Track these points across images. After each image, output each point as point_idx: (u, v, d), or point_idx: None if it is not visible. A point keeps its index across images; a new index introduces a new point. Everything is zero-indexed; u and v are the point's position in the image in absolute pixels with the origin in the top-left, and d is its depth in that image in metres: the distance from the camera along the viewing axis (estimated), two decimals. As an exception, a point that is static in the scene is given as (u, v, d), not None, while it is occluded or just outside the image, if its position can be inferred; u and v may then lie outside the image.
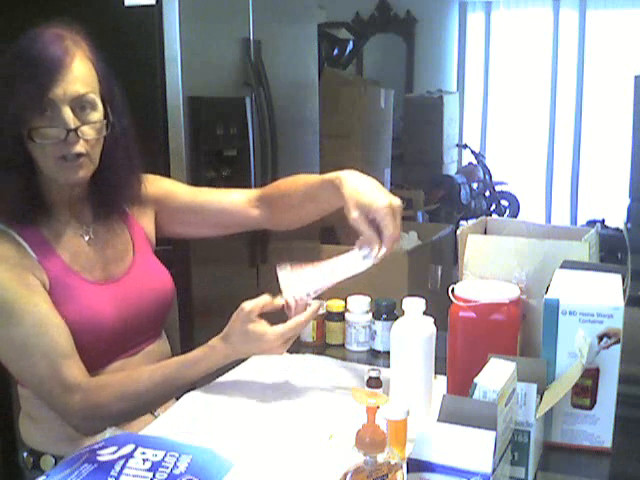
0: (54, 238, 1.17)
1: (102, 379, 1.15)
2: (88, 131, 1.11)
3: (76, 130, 1.09)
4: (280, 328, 1.10)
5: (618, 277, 0.99)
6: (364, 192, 1.09)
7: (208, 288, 2.15)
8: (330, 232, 3.33)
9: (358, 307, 1.39)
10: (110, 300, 1.18)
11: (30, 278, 1.12)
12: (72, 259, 1.18)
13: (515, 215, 5.54)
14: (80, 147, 1.10)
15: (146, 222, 1.34)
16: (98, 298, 1.17)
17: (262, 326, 1.10)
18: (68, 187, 1.18)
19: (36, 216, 1.15)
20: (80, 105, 1.10)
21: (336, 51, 4.29)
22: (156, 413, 1.22)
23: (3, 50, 1.10)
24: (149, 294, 1.25)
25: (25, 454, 1.20)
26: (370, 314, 1.39)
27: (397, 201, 1.08)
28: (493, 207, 5.58)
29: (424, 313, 1.07)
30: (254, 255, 2.44)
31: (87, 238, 1.22)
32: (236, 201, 1.37)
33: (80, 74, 1.10)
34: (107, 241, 1.25)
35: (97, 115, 1.13)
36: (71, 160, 1.11)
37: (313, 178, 1.25)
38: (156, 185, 1.35)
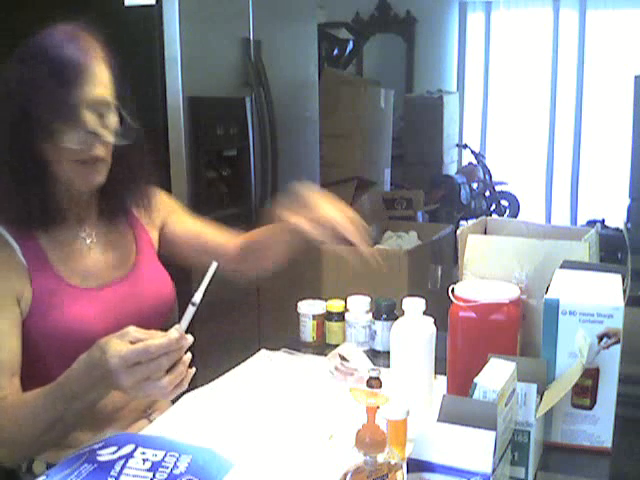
0: (49, 243, 1.13)
1: (8, 401, 1.02)
2: (109, 135, 1.08)
3: (97, 133, 1.06)
4: (124, 348, 0.90)
5: (618, 277, 0.99)
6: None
7: (208, 288, 2.16)
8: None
9: (358, 307, 1.39)
10: (101, 306, 1.13)
11: (2, 290, 1.06)
12: (65, 265, 1.13)
13: (515, 215, 5.54)
14: (99, 151, 1.08)
15: (153, 230, 1.31)
16: (87, 305, 1.12)
17: (115, 342, 0.91)
18: (80, 192, 1.15)
19: (41, 222, 1.12)
20: (100, 108, 1.07)
21: (336, 51, 4.29)
22: (152, 417, 1.21)
23: (20, 51, 1.07)
24: (147, 299, 1.21)
25: None
26: (370, 314, 1.39)
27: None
28: (493, 207, 5.57)
29: (424, 313, 1.07)
30: (254, 255, 2.44)
31: (88, 241, 1.19)
32: (226, 243, 1.36)
33: (100, 76, 1.08)
34: (109, 244, 1.21)
35: (114, 118, 1.10)
36: (90, 164, 1.09)
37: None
38: (165, 201, 1.35)
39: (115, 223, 1.24)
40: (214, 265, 1.01)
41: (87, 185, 1.12)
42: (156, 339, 0.90)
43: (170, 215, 1.35)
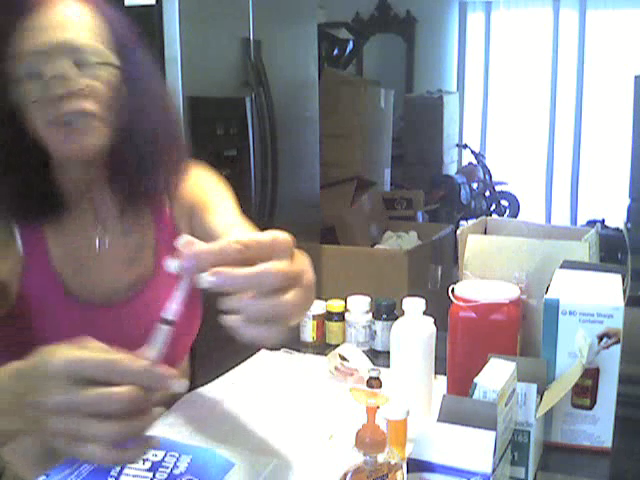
0: (55, 238, 0.94)
1: None
2: (89, 81, 0.86)
3: (71, 78, 0.85)
4: (76, 353, 0.61)
5: (618, 277, 0.99)
6: None
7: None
8: (330, 232, 3.34)
9: (358, 307, 1.39)
10: (97, 330, 0.79)
11: None
12: (67, 269, 0.95)
13: (515, 215, 5.54)
14: (84, 102, 0.86)
15: (185, 219, 1.04)
16: (80, 327, 0.91)
17: (66, 347, 0.62)
18: (78, 166, 0.93)
19: (42, 213, 0.92)
20: (78, 56, 0.87)
21: (336, 51, 4.29)
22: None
23: None
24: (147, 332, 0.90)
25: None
26: (370, 314, 1.39)
27: None
28: (493, 207, 5.58)
29: (424, 313, 1.07)
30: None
31: (99, 244, 0.97)
32: None
33: (73, 18, 0.88)
34: (123, 252, 0.99)
35: (103, 68, 0.89)
36: (73, 122, 0.86)
37: None
38: (200, 184, 1.06)
39: (138, 222, 1.00)
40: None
41: (73, 151, 0.88)
42: (127, 359, 0.61)
43: (195, 213, 1.02)
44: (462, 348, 1.03)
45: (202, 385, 1.21)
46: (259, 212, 2.39)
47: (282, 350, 1.38)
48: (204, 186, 1.06)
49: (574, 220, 5.77)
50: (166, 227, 1.03)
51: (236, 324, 0.61)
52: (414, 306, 1.06)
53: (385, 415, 0.88)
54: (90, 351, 0.61)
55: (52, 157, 0.92)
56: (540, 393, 0.87)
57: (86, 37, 0.88)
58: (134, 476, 0.83)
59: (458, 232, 1.20)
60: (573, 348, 0.91)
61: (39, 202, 0.92)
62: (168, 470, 0.84)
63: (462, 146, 5.69)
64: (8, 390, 0.63)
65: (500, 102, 5.90)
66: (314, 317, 1.41)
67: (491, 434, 0.70)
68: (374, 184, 3.85)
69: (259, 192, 2.38)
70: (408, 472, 0.72)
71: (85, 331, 0.71)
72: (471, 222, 1.30)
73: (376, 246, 3.46)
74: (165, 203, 1.02)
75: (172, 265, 0.63)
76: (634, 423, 1.02)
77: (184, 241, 0.63)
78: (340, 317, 1.41)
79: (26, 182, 0.90)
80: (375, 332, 1.37)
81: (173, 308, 0.65)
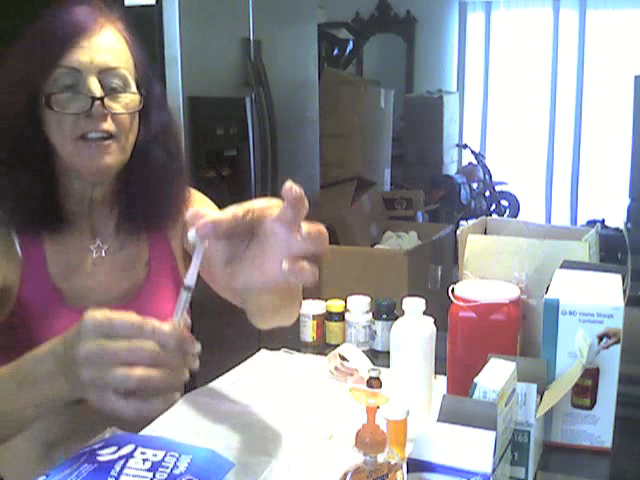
0: (53, 247, 1.01)
1: None
2: (117, 106, 0.96)
3: (102, 100, 0.93)
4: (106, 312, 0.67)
5: (618, 277, 0.99)
6: None
7: (208, 287, 2.16)
8: (330, 232, 3.34)
9: (358, 307, 1.39)
10: None
11: None
12: (63, 277, 1.01)
13: (515, 215, 5.54)
14: (107, 125, 0.94)
15: (177, 241, 1.13)
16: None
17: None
18: (89, 183, 1.00)
19: (43, 224, 0.99)
20: (110, 80, 0.96)
21: (336, 51, 4.30)
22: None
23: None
24: None
25: None
26: (370, 314, 1.39)
27: None
28: (493, 207, 5.58)
29: (424, 313, 1.07)
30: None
31: (95, 256, 1.04)
32: None
33: (110, 45, 0.97)
34: (117, 264, 1.06)
35: (130, 97, 0.98)
36: (94, 141, 0.94)
37: None
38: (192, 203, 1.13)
39: (133, 241, 1.08)
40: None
41: (91, 167, 0.96)
42: (154, 320, 0.67)
43: (187, 230, 1.14)
44: (462, 348, 1.03)
45: (202, 385, 1.21)
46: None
47: (282, 350, 1.38)
48: (195, 204, 1.13)
49: (574, 220, 5.77)
50: (159, 242, 1.11)
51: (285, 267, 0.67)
52: (414, 306, 1.06)
53: (385, 415, 0.88)
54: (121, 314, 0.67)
55: (62, 171, 0.99)
56: (540, 393, 0.87)
57: (118, 63, 0.97)
58: (134, 476, 0.83)
59: (458, 232, 1.20)
60: (573, 348, 0.91)
61: (41, 214, 0.98)
62: (168, 470, 0.84)
63: (462, 146, 5.69)
64: (55, 354, 0.71)
65: (500, 102, 5.90)
66: (314, 317, 1.41)
67: (491, 434, 0.70)
68: (374, 184, 3.85)
69: (259, 192, 2.38)
70: (408, 472, 0.72)
71: None
72: (471, 222, 1.30)
73: (376, 246, 3.46)
74: (163, 227, 1.09)
75: (190, 235, 0.68)
76: (634, 423, 1.02)
77: (191, 213, 0.67)
78: (340, 317, 1.41)
79: (32, 193, 0.96)
80: (375, 332, 1.37)
81: (191, 275, 0.70)
